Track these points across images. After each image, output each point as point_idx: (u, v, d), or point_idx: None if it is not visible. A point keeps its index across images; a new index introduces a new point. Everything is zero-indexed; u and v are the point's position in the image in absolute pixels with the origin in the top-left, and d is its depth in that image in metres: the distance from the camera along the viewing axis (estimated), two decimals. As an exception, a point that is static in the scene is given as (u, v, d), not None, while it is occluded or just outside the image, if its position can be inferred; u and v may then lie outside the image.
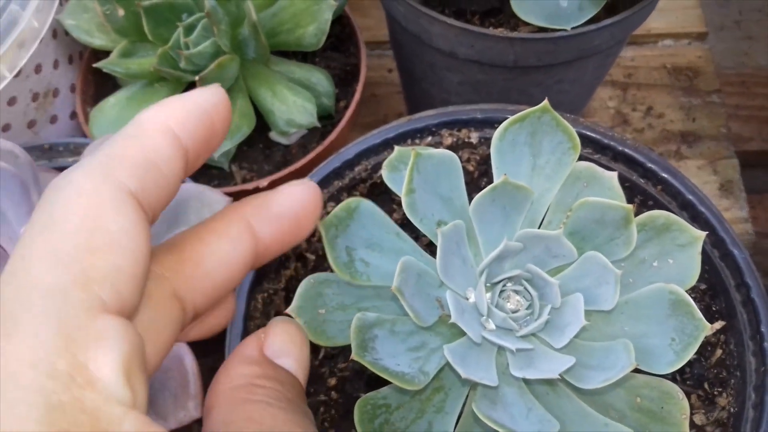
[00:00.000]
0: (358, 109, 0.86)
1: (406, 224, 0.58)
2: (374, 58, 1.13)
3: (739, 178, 1.03)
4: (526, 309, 0.54)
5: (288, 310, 0.55)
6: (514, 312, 0.53)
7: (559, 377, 0.50)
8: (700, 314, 0.50)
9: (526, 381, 0.53)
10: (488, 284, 0.54)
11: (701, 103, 1.08)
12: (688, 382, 0.63)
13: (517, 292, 0.54)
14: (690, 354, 0.50)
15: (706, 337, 0.64)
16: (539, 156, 0.58)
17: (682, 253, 0.56)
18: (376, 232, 0.56)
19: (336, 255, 0.53)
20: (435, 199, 0.55)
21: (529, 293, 0.54)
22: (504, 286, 0.54)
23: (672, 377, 0.64)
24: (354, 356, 0.47)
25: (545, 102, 0.56)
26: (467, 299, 0.54)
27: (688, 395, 0.63)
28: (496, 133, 0.57)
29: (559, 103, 0.88)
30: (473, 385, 0.52)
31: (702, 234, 0.56)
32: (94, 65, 0.76)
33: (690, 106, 1.08)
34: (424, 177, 0.54)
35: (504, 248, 0.52)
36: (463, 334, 0.52)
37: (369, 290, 0.56)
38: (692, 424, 0.61)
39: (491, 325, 0.53)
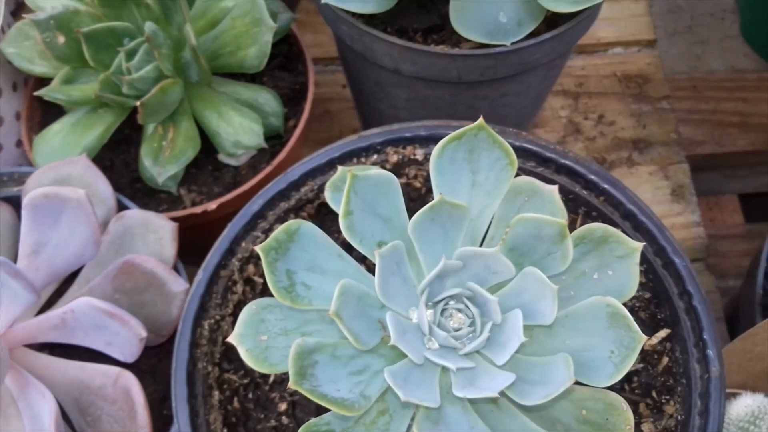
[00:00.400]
0: (310, 126, 0.86)
1: (351, 247, 0.58)
2: (328, 74, 1.13)
3: (690, 183, 1.04)
4: (469, 326, 0.54)
5: (229, 338, 0.54)
6: (456, 330, 0.53)
7: (498, 395, 0.50)
8: (636, 326, 0.51)
9: (470, 400, 0.53)
10: (430, 303, 0.54)
11: (651, 110, 1.10)
12: (636, 391, 0.64)
13: (459, 310, 0.54)
14: (628, 366, 0.51)
15: (652, 346, 0.65)
16: (478, 172, 0.59)
17: (621, 265, 0.57)
18: (318, 255, 0.56)
19: (276, 279, 0.53)
20: (374, 219, 0.55)
21: (471, 311, 0.54)
22: (446, 304, 0.54)
23: (620, 386, 0.64)
24: (291, 384, 0.47)
25: (480, 120, 0.57)
26: (410, 319, 0.54)
27: (636, 404, 0.63)
28: (434, 152, 0.57)
29: (505, 116, 0.89)
30: (418, 406, 0.52)
31: (639, 245, 0.56)
32: (35, 93, 0.75)
33: (641, 113, 1.09)
34: (362, 198, 0.54)
35: (443, 267, 0.52)
36: (405, 355, 0.52)
37: (312, 314, 0.56)
38: (641, 433, 0.62)
39: (435, 345, 0.53)
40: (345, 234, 0.54)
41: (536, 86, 0.85)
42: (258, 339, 0.54)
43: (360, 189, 0.54)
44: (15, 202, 0.76)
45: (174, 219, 0.72)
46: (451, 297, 0.54)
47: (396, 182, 0.56)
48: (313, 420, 0.51)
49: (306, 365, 0.49)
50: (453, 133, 0.57)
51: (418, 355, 0.51)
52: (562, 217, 0.61)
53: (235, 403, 0.64)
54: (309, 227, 0.56)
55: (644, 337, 0.50)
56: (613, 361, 0.52)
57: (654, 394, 0.63)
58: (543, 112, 1.08)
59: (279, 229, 0.55)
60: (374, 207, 0.55)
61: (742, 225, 1.21)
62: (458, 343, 0.53)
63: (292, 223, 0.55)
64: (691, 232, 1.01)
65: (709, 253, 1.03)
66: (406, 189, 0.72)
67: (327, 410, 0.52)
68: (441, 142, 0.57)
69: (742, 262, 1.10)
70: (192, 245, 0.74)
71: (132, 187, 0.82)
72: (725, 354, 0.72)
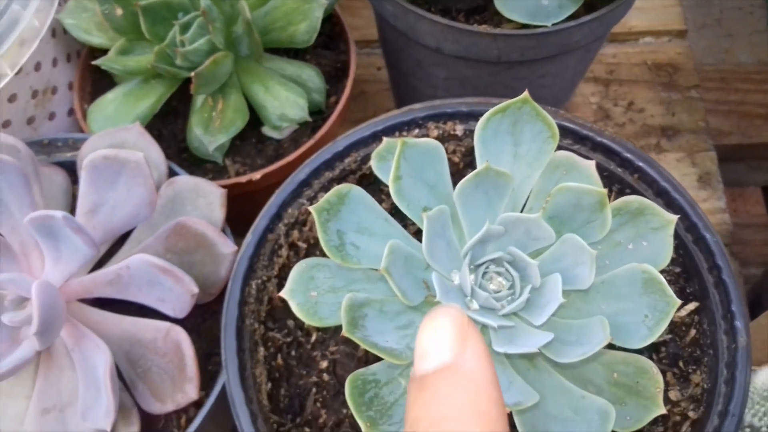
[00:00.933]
0: (348, 105, 0.88)
1: (395, 213, 0.61)
2: (363, 57, 1.16)
3: (716, 170, 1.06)
4: (508, 289, 0.56)
5: (281, 293, 0.57)
6: (496, 292, 0.56)
7: (538, 351, 0.53)
8: (671, 291, 0.53)
9: (508, 357, 0.56)
10: (472, 266, 0.56)
11: (681, 98, 1.12)
12: (664, 361, 0.66)
13: (499, 273, 0.57)
14: (662, 329, 0.53)
15: (680, 318, 0.67)
16: (520, 145, 0.61)
17: (656, 236, 0.59)
18: (366, 217, 0.59)
19: (328, 238, 0.56)
20: (421, 185, 0.58)
21: (511, 274, 0.57)
22: (487, 268, 0.57)
23: (649, 356, 0.67)
24: (345, 333, 0.50)
25: (525, 93, 0.59)
26: (452, 281, 0.57)
27: (663, 373, 0.66)
28: (479, 123, 0.60)
29: (542, 97, 0.91)
30: (458, 361, 0.55)
31: (674, 217, 0.59)
32: (93, 62, 0.79)
33: (670, 101, 1.11)
34: (411, 165, 0.57)
35: (486, 231, 0.55)
36: (448, 314, 0.55)
37: (359, 273, 0.59)
38: (667, 400, 0.64)
39: (475, 305, 0.56)
40: (394, 197, 0.57)
41: (573, 68, 0.87)
42: (308, 295, 0.57)
43: (409, 156, 0.57)
44: (68, 167, 0.80)
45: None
46: (492, 261, 0.57)
47: (443, 151, 0.59)
48: (361, 370, 0.53)
49: (357, 317, 0.52)
50: (498, 106, 0.59)
51: (461, 313, 0.54)
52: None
53: (279, 360, 0.67)
54: (358, 191, 0.59)
55: (678, 301, 0.53)
56: (647, 325, 0.54)
57: (681, 364, 0.65)
58: (574, 98, 1.11)
59: (331, 192, 0.57)
60: (421, 173, 0.58)
61: (764, 215, 1.23)
62: (498, 304, 0.55)
63: (342, 186, 0.58)
64: (716, 218, 1.03)
65: (732, 239, 1.04)
66: (446, 163, 0.75)
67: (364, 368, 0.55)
68: (486, 114, 0.60)
69: (764, 251, 1.12)
70: (235, 215, 0.77)
71: (179, 157, 0.85)
72: (751, 329, 0.75)
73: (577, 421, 0.53)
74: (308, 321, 0.56)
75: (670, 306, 0.53)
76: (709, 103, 1.23)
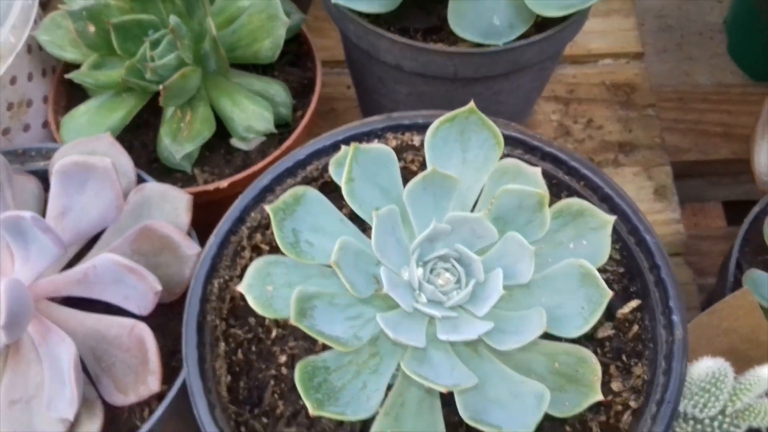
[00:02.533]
0: (316, 122, 0.92)
1: (354, 219, 0.64)
2: (334, 76, 1.20)
3: (671, 184, 1.11)
4: (455, 284, 0.60)
5: (239, 287, 0.60)
6: (443, 286, 0.59)
7: (480, 340, 0.56)
8: (604, 284, 0.57)
9: (452, 345, 0.59)
10: (421, 262, 0.60)
11: (638, 116, 1.17)
12: (608, 355, 0.70)
13: (447, 269, 0.60)
14: (596, 318, 0.57)
15: (624, 315, 0.71)
16: (468, 151, 0.65)
17: (594, 236, 0.63)
18: (321, 218, 0.62)
19: (283, 235, 0.59)
20: (373, 188, 0.62)
21: (457, 270, 0.60)
22: (435, 264, 0.60)
23: (593, 350, 0.70)
24: (292, 321, 0.53)
25: (471, 104, 0.64)
26: (402, 276, 0.60)
27: (607, 366, 0.69)
28: (429, 131, 0.64)
29: (499, 113, 0.94)
30: (405, 350, 0.58)
31: (611, 218, 0.63)
32: (66, 76, 0.82)
33: (627, 119, 1.16)
34: (363, 168, 0.61)
35: (433, 229, 0.58)
36: (398, 307, 0.58)
37: (314, 270, 0.62)
38: (610, 391, 0.68)
39: (423, 299, 0.59)
40: (347, 198, 0.60)
41: (527, 86, 0.91)
42: (264, 289, 0.60)
43: (361, 160, 0.61)
44: (41, 176, 0.82)
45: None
46: (440, 258, 0.60)
47: (393, 156, 0.63)
48: (311, 357, 0.56)
49: (306, 307, 0.55)
50: (446, 115, 0.64)
51: (408, 305, 0.57)
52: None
53: (239, 355, 0.70)
54: (314, 193, 0.62)
55: (610, 292, 0.56)
56: (583, 315, 0.58)
57: (624, 357, 0.69)
58: (536, 115, 1.15)
59: (287, 193, 0.61)
60: (374, 177, 0.62)
61: (723, 228, 1.27)
62: (444, 297, 0.59)
63: (299, 188, 0.62)
64: (671, 228, 1.08)
65: (688, 250, 1.09)
66: (404, 172, 0.78)
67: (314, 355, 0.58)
68: (435, 123, 0.64)
69: (720, 261, 1.16)
70: (204, 222, 0.80)
71: (149, 167, 0.89)
72: (693, 328, 0.78)
73: (515, 404, 0.56)
74: (263, 313, 0.59)
75: (603, 297, 0.56)
76: (667, 122, 1.28)
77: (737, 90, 1.33)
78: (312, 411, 0.53)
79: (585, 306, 0.58)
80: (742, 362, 0.75)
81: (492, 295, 0.57)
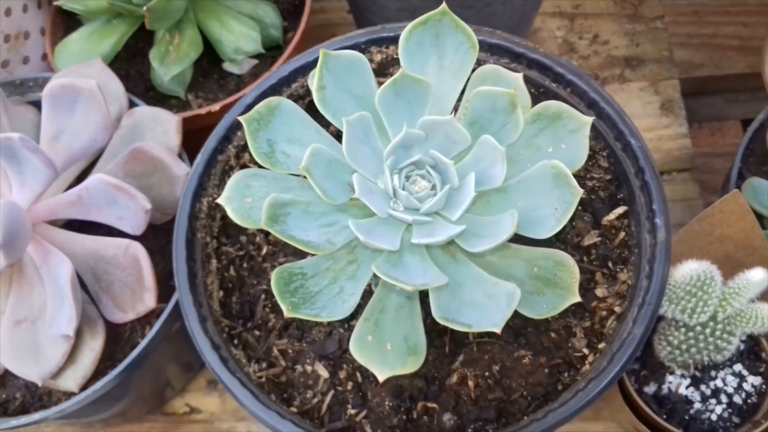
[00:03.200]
0: (307, 41, 0.92)
1: (340, 137, 0.64)
2: (334, 1, 1.18)
3: (679, 98, 1.08)
4: (431, 190, 0.60)
5: (218, 200, 0.61)
6: (418, 193, 0.60)
7: (452, 242, 0.56)
8: (575, 183, 0.56)
9: (429, 251, 0.60)
10: (396, 170, 0.60)
11: (645, 29, 1.13)
12: (594, 263, 0.70)
13: (422, 176, 0.60)
14: (567, 218, 0.56)
15: (609, 222, 0.71)
16: (444, 57, 0.64)
17: (573, 138, 0.62)
18: (297, 128, 0.62)
19: (257, 146, 0.60)
20: (347, 96, 0.62)
21: (432, 176, 0.60)
22: (411, 171, 0.61)
23: (579, 258, 0.70)
24: (263, 225, 0.54)
25: (443, 5, 0.62)
26: (377, 184, 0.60)
27: (593, 273, 0.69)
28: (402, 36, 0.63)
29: (495, 26, 0.93)
30: (381, 255, 0.59)
31: (589, 119, 0.62)
32: (55, 3, 0.83)
33: (634, 33, 1.13)
34: (334, 75, 0.61)
35: (405, 135, 0.58)
36: (374, 214, 0.58)
37: (294, 182, 0.63)
38: (594, 297, 0.68)
39: (400, 207, 0.59)
40: (319, 107, 0.60)
41: (520, -3, 0.89)
42: (244, 201, 0.61)
43: (332, 67, 0.60)
44: (39, 105, 0.84)
45: (182, 120, 0.79)
46: (415, 165, 0.60)
47: (366, 63, 0.62)
48: (287, 264, 0.58)
49: (278, 213, 0.55)
50: (419, 18, 0.62)
51: (382, 211, 0.58)
52: (526, 101, 0.66)
53: (231, 271, 0.71)
54: (289, 104, 0.63)
55: (581, 191, 0.56)
56: (556, 216, 0.57)
57: (610, 264, 0.69)
58: (539, 32, 1.13)
59: (261, 104, 0.61)
60: (347, 85, 0.62)
61: (738, 146, 1.24)
62: (419, 203, 0.59)
63: (273, 99, 0.62)
64: (678, 143, 1.05)
65: (701, 167, 1.07)
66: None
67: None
68: (408, 27, 0.63)
69: (732, 178, 1.14)
70: (199, 148, 0.81)
71: (146, 95, 0.90)
72: (685, 236, 0.78)
73: (489, 305, 0.56)
74: (242, 223, 0.60)
75: (575, 196, 0.56)
76: (681, 36, 1.24)
77: (754, 1, 1.27)
78: (287, 313, 0.55)
79: (558, 207, 0.57)
80: (738, 269, 0.74)
81: (466, 199, 0.57)
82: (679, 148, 1.05)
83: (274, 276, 0.56)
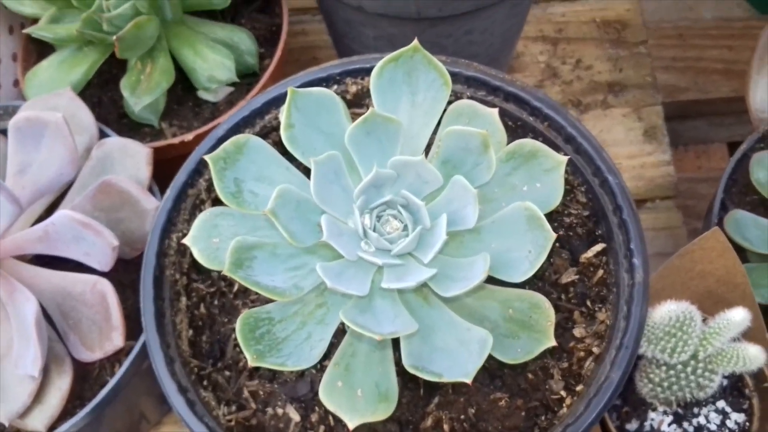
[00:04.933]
0: (283, 68, 0.90)
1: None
2: (315, 24, 1.17)
3: (662, 124, 1.07)
4: (402, 231, 0.58)
5: (184, 240, 0.60)
6: (389, 234, 0.58)
7: (425, 286, 0.55)
8: (548, 226, 0.55)
9: (401, 295, 0.58)
10: (367, 210, 0.59)
11: (628, 54, 1.12)
12: (572, 301, 0.68)
13: (394, 217, 0.59)
14: (541, 261, 0.55)
15: (588, 259, 0.69)
16: (417, 94, 0.63)
17: (548, 177, 0.61)
18: (266, 167, 0.61)
19: (224, 186, 0.58)
20: (316, 134, 0.60)
21: (404, 217, 0.59)
22: (382, 211, 0.59)
23: (557, 296, 0.69)
24: (225, 271, 0.52)
25: (415, 41, 0.61)
26: (348, 224, 0.59)
27: (571, 312, 0.68)
28: (374, 72, 0.61)
29: (475, 54, 0.92)
30: (350, 300, 0.57)
31: (564, 158, 0.61)
32: (24, 31, 0.81)
33: (618, 58, 1.12)
34: (303, 113, 0.59)
35: (376, 175, 0.57)
36: (342, 256, 0.57)
37: (262, 221, 0.61)
38: (572, 337, 0.66)
39: (371, 248, 0.58)
40: (287, 146, 0.59)
41: (501, 24, 0.88)
42: (210, 241, 0.60)
43: (301, 104, 0.59)
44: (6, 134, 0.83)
45: (155, 150, 0.78)
46: (387, 205, 0.59)
47: (337, 100, 0.61)
48: (254, 309, 0.56)
49: (243, 258, 0.54)
50: (390, 54, 0.61)
51: (351, 253, 0.56)
52: (501, 137, 0.65)
53: (202, 309, 0.70)
54: (257, 141, 0.61)
55: (554, 235, 0.54)
56: (529, 259, 0.56)
57: (588, 303, 0.67)
58: (522, 57, 1.12)
59: (228, 142, 0.60)
60: (316, 122, 0.60)
61: (724, 170, 1.23)
62: (391, 245, 0.58)
63: (240, 136, 0.60)
64: (661, 170, 1.04)
65: (685, 193, 1.06)
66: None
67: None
68: (379, 63, 0.61)
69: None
70: (172, 178, 0.80)
71: (119, 122, 0.88)
72: (666, 272, 0.77)
73: (460, 351, 0.55)
74: (208, 266, 0.59)
75: (548, 240, 0.55)
76: (665, 60, 1.23)
77: (739, 24, 1.27)
78: (251, 362, 0.53)
79: (531, 249, 0.56)
80: (720, 304, 0.73)
81: (437, 241, 0.56)
82: (663, 175, 1.04)
83: (239, 322, 0.55)
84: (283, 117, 0.58)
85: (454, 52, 0.74)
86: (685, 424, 0.78)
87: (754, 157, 0.88)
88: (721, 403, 0.79)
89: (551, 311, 0.59)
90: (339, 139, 0.61)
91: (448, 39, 0.86)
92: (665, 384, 0.74)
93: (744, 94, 1.19)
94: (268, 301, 0.69)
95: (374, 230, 0.58)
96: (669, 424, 0.78)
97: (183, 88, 0.85)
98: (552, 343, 0.58)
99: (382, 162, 0.59)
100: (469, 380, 0.52)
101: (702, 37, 1.28)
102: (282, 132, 0.58)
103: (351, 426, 0.55)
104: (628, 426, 0.79)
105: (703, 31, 1.28)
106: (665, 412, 0.79)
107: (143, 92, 0.79)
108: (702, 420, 0.78)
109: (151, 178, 0.76)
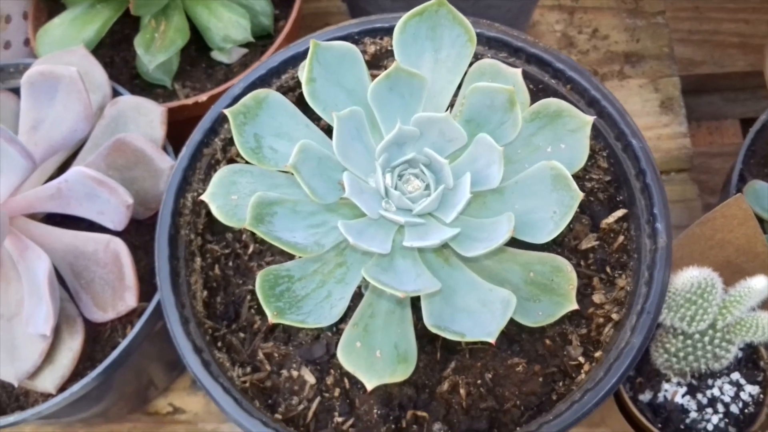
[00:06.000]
0: (298, 30, 0.89)
1: (331, 131, 0.61)
2: (330, -11, 1.15)
3: (679, 96, 1.06)
4: (424, 190, 0.57)
5: (202, 197, 0.59)
6: (411, 193, 0.57)
7: (446, 246, 0.54)
8: (575, 186, 0.54)
9: (422, 255, 0.57)
10: (389, 168, 0.57)
11: (646, 25, 1.11)
12: (592, 267, 0.67)
13: (416, 176, 0.58)
14: (566, 223, 0.54)
15: (608, 225, 0.68)
16: (440, 50, 0.61)
17: (573, 138, 0.60)
18: (286, 122, 0.60)
19: (243, 140, 0.57)
20: (338, 89, 0.59)
21: (427, 176, 0.57)
22: (404, 170, 0.58)
23: (576, 262, 0.68)
24: (247, 226, 0.51)
25: (441, -5, 0.60)
26: (369, 183, 0.58)
27: (590, 278, 0.67)
28: (397, 27, 0.60)
29: (492, 19, 0.90)
30: (371, 258, 0.56)
31: (590, 118, 0.59)
32: (37, -14, 0.80)
33: (635, 28, 1.10)
34: (325, 68, 0.58)
35: (399, 132, 0.56)
36: (364, 215, 0.56)
37: (282, 178, 0.60)
38: (591, 303, 0.66)
39: (392, 207, 0.57)
40: (308, 100, 0.57)
41: (520, -11, 0.86)
42: (229, 198, 0.58)
43: (323, 59, 0.58)
44: (20, 93, 0.81)
45: (168, 111, 0.76)
46: (409, 163, 0.58)
47: (359, 55, 0.59)
48: (273, 266, 0.55)
49: (264, 213, 0.53)
50: (415, 9, 0.60)
51: (373, 212, 0.55)
52: (524, 98, 0.64)
53: (216, 270, 0.69)
54: (277, 96, 0.60)
55: (581, 194, 0.53)
56: (554, 220, 0.55)
57: (608, 269, 0.67)
58: (538, 26, 1.10)
59: (248, 96, 0.58)
60: (338, 77, 0.59)
61: (738, 145, 1.22)
62: (412, 204, 0.56)
63: (260, 91, 0.59)
64: (677, 142, 1.03)
65: (699, 167, 1.04)
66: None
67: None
68: (403, 18, 0.60)
69: (731, 179, 1.11)
70: (185, 139, 0.79)
71: (131, 83, 0.87)
72: (686, 240, 0.76)
73: (483, 311, 0.54)
74: (227, 222, 0.57)
75: (574, 200, 0.54)
76: (681, 33, 1.21)
77: (756, -3, 1.25)
78: (271, 318, 0.52)
79: (557, 210, 0.55)
80: (738, 275, 0.72)
81: (461, 200, 0.55)
82: (678, 147, 1.03)
83: (259, 278, 0.54)
84: (304, 71, 0.56)
85: (471, 16, 0.72)
86: (699, 396, 0.78)
87: (774, 128, 0.86)
88: (735, 375, 0.78)
89: (573, 275, 0.58)
90: (360, 96, 0.60)
91: (467, 2, 0.84)
92: (681, 354, 0.74)
93: (761, 68, 1.17)
94: (284, 263, 0.69)
95: (396, 189, 0.57)
96: (683, 396, 0.78)
97: (196, 48, 0.83)
98: (574, 306, 0.57)
99: (405, 119, 0.58)
100: (492, 340, 0.51)
101: (718, 11, 1.26)
102: (304, 86, 0.57)
103: (369, 387, 0.54)
104: (642, 397, 0.79)
105: (720, 4, 1.26)
106: (679, 384, 0.78)
107: (157, 50, 0.77)
108: (716, 392, 0.78)
109: (165, 138, 0.74)
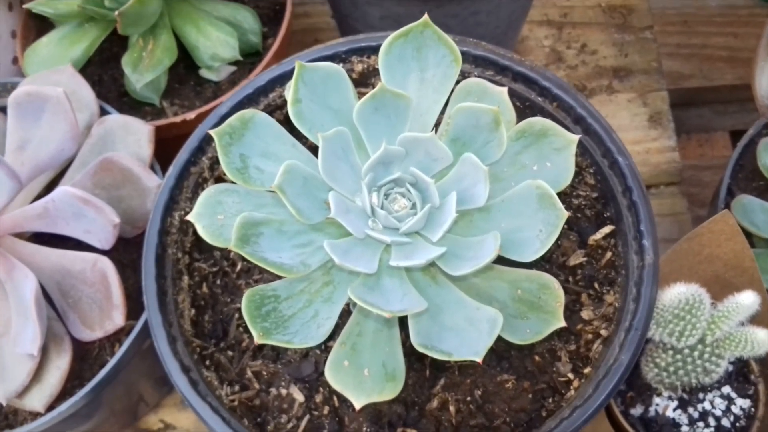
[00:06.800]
0: (287, 48, 0.89)
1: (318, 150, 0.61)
2: (318, 5, 1.16)
3: (667, 110, 1.06)
4: (411, 209, 0.57)
5: (188, 217, 0.59)
6: (398, 212, 0.57)
7: (433, 264, 0.54)
8: (560, 205, 0.54)
9: (409, 274, 0.57)
10: (375, 188, 0.57)
11: (634, 39, 1.11)
12: (580, 283, 0.67)
13: (402, 195, 0.58)
14: (551, 241, 0.54)
15: (596, 242, 0.68)
16: (426, 70, 0.62)
17: (558, 156, 0.60)
18: (272, 143, 0.60)
19: (229, 161, 0.57)
20: (324, 110, 0.59)
21: (413, 195, 0.58)
22: (391, 189, 0.58)
23: (565, 279, 0.68)
24: (232, 247, 0.51)
25: (425, 17, 0.60)
26: (356, 202, 0.58)
27: (578, 294, 0.67)
28: (382, 48, 0.60)
29: (480, 36, 0.90)
30: (358, 278, 0.56)
31: (575, 137, 0.60)
32: (24, 6, 0.80)
33: (623, 42, 1.11)
34: (311, 88, 0.58)
35: (385, 151, 0.56)
36: (351, 234, 0.56)
37: (268, 198, 0.60)
38: (580, 320, 0.66)
39: (379, 226, 0.57)
40: (294, 121, 0.58)
41: (507, 6, 0.87)
42: (215, 218, 0.58)
43: (308, 80, 0.58)
44: (6, 112, 0.81)
45: (156, 129, 0.76)
46: (395, 182, 0.58)
47: (344, 75, 0.60)
48: (260, 285, 0.55)
49: (250, 234, 0.53)
50: (400, 30, 0.60)
51: (359, 231, 0.55)
52: (510, 116, 0.64)
53: (204, 288, 0.69)
54: (263, 117, 0.60)
55: (566, 213, 0.53)
56: (540, 239, 0.55)
57: (596, 285, 0.67)
58: (527, 41, 1.11)
59: (233, 117, 0.58)
60: (324, 98, 0.59)
61: (728, 158, 1.23)
62: (400, 223, 0.57)
63: (246, 111, 0.59)
64: (666, 156, 1.04)
65: (689, 180, 1.05)
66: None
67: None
68: (388, 39, 0.60)
69: (721, 192, 1.12)
70: (174, 157, 0.79)
71: (119, 101, 0.87)
72: (674, 255, 0.76)
73: (470, 330, 0.54)
74: (213, 242, 0.57)
75: (560, 219, 0.54)
76: (670, 47, 1.22)
77: (744, 12, 1.26)
78: (257, 339, 0.52)
79: (543, 228, 0.55)
80: (727, 290, 0.72)
81: (447, 219, 0.55)
82: (668, 161, 1.03)
83: (244, 299, 0.54)
84: (290, 92, 0.57)
85: (460, 34, 0.73)
86: (690, 410, 0.78)
87: (761, 142, 0.87)
88: (726, 389, 0.78)
89: (560, 292, 0.59)
90: (347, 116, 0.60)
91: (455, 19, 0.85)
92: (671, 369, 0.74)
93: (750, 81, 1.18)
94: (273, 280, 0.69)
95: (382, 208, 0.57)
96: (674, 410, 0.78)
97: (185, 66, 0.84)
98: (561, 324, 0.58)
99: (391, 139, 0.58)
100: (479, 359, 0.51)
101: (707, 24, 1.27)
102: (289, 107, 0.57)
103: (357, 405, 0.54)
104: (633, 411, 0.79)
105: (708, 18, 1.27)
106: (670, 398, 0.78)
107: (145, 69, 0.77)
108: (707, 405, 0.78)
109: (153, 157, 0.74)
